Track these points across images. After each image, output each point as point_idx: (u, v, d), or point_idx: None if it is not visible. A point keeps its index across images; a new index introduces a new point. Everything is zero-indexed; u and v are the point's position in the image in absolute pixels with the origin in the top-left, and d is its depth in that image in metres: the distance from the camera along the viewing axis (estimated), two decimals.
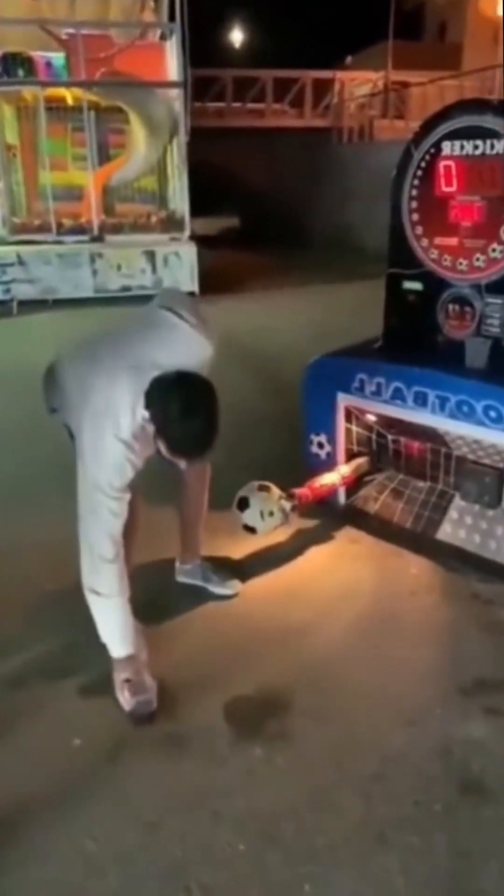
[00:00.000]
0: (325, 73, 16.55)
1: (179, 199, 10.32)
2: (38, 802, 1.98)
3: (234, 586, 2.91)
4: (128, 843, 1.86)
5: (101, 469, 2.12)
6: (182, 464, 2.26)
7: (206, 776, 2.06)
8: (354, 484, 3.43)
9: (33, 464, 3.97)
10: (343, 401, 3.33)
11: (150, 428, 2.12)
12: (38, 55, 9.87)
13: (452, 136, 2.90)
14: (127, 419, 2.11)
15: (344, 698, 2.33)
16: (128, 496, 2.18)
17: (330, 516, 3.41)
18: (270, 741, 2.16)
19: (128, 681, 2.26)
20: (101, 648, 2.30)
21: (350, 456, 3.45)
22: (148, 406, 2.10)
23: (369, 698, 2.33)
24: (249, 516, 3.02)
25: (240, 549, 3.17)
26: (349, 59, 20.50)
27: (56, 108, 10.12)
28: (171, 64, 10.00)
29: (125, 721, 2.23)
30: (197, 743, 2.17)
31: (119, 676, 2.31)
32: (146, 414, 2.10)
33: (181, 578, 2.98)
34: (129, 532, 2.32)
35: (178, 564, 2.99)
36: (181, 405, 2.07)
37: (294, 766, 2.08)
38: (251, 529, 3.05)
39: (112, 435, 2.10)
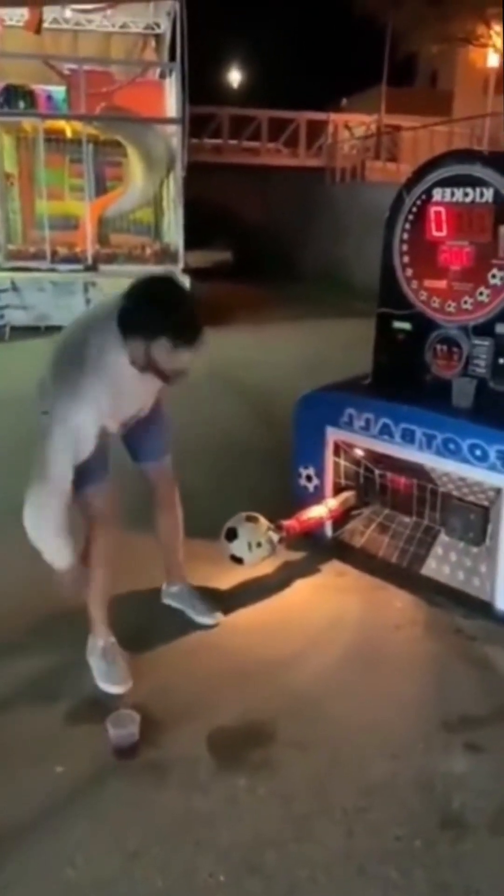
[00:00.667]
0: (319, 115, 16.96)
1: (174, 231, 10.49)
2: (18, 828, 1.98)
3: (216, 617, 2.93)
4: (108, 870, 1.86)
5: (74, 403, 2.14)
6: (187, 359, 2.23)
7: (189, 805, 2.06)
8: (341, 517, 3.48)
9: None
10: (332, 435, 3.40)
11: (139, 358, 2.18)
12: (39, 88, 10.10)
13: (443, 183, 3.01)
14: (105, 371, 2.15)
15: (328, 730, 2.35)
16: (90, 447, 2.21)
17: (317, 549, 3.45)
18: (254, 771, 2.17)
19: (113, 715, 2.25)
20: (87, 670, 2.31)
21: (338, 489, 3.50)
22: (127, 338, 2.15)
23: (353, 730, 2.35)
24: (237, 547, 3.06)
25: (226, 579, 3.19)
26: (344, 101, 21.06)
27: (55, 140, 10.32)
28: (171, 101, 10.24)
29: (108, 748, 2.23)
30: (180, 771, 2.17)
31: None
32: (126, 357, 2.17)
33: (167, 601, 3.02)
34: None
35: (164, 587, 3.04)
36: (162, 300, 2.16)
37: (277, 796, 2.09)
38: (238, 560, 3.08)
39: (89, 384, 2.14)
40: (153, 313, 2.14)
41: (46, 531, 2.25)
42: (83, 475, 2.28)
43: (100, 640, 2.60)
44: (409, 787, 2.13)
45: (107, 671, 2.53)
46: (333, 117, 17.23)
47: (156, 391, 2.53)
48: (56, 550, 2.29)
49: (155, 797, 2.09)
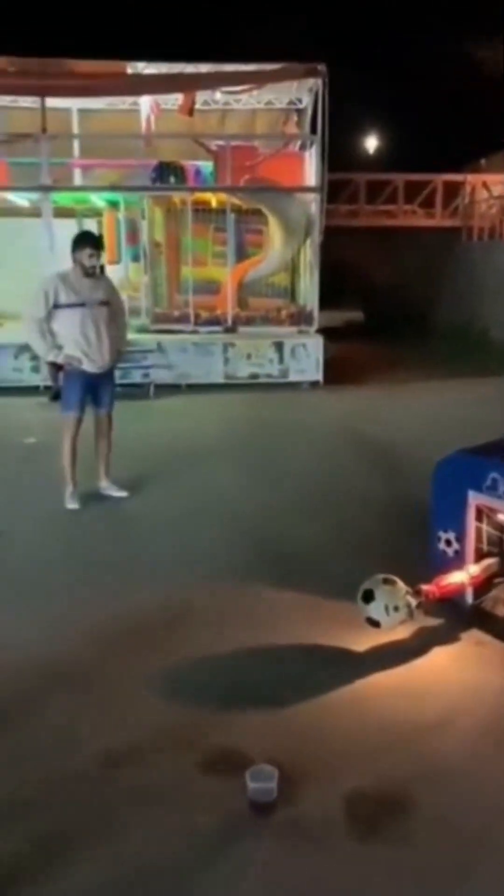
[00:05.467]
0: (456, 176, 17.01)
1: (310, 294, 10.79)
2: (157, 876, 2.03)
3: (123, 493, 5.18)
4: None
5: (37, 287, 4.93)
6: (86, 258, 4.81)
7: (324, 872, 2.03)
8: (483, 585, 3.38)
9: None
10: (474, 499, 3.34)
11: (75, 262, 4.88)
12: (189, 164, 10.87)
13: None
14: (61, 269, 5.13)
15: (469, 812, 2.26)
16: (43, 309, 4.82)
17: (456, 616, 3.36)
18: (392, 844, 2.12)
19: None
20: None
21: (479, 556, 3.41)
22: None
23: (497, 816, 2.24)
24: (374, 609, 3.05)
25: (362, 641, 3.17)
26: (483, 161, 21.01)
27: (201, 210, 11.02)
28: (310, 171, 10.69)
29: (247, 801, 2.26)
30: (317, 833, 2.16)
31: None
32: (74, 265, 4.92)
33: (102, 491, 5.18)
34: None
35: (99, 483, 5.19)
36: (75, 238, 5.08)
37: (416, 876, 2.02)
38: (375, 623, 3.07)
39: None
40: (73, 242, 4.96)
41: (30, 335, 4.91)
42: (66, 402, 5.02)
43: (68, 486, 5.01)
44: None
45: (69, 500, 4.99)
46: (470, 178, 17.20)
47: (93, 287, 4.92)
48: (36, 345, 4.96)
49: (291, 860, 2.07)
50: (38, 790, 2.34)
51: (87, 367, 4.87)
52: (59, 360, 4.90)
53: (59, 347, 4.85)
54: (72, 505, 4.96)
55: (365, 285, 18.93)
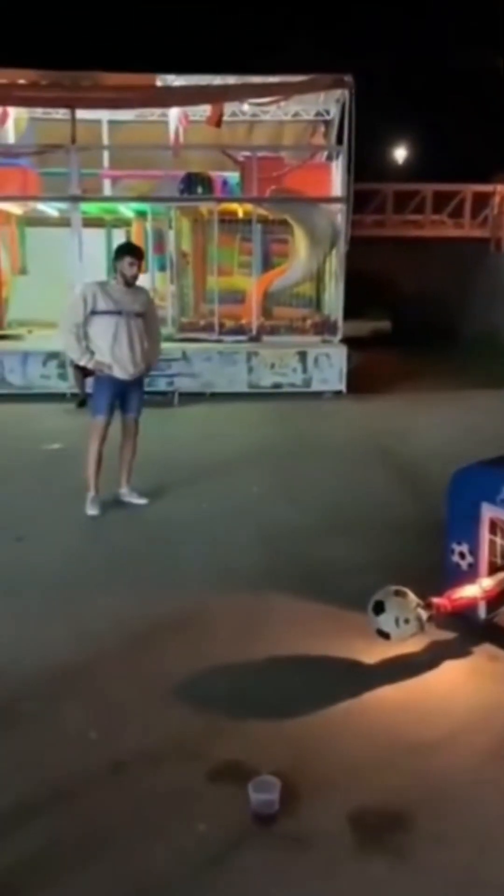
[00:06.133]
0: (485, 186, 16.92)
1: (334, 304, 10.81)
2: (160, 885, 2.04)
3: (144, 500, 5.28)
4: None
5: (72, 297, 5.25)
6: (126, 266, 4.95)
7: (324, 883, 2.04)
8: (497, 599, 3.34)
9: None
10: (489, 512, 3.31)
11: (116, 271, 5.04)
12: (216, 174, 10.97)
13: None
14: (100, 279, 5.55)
15: (471, 828, 2.24)
16: (80, 315, 4.95)
17: (468, 630, 3.33)
18: (392, 857, 2.11)
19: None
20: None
21: (493, 569, 3.38)
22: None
23: (500, 833, 2.22)
24: (384, 621, 3.04)
25: (372, 653, 3.16)
26: None
27: (228, 221, 11.11)
28: (336, 181, 10.73)
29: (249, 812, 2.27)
30: (318, 847, 2.16)
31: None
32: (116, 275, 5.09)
33: (121, 499, 5.28)
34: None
35: (119, 490, 5.29)
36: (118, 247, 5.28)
37: (414, 891, 2.02)
38: (385, 635, 3.06)
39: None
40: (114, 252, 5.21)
41: (66, 339, 5.02)
42: (96, 406, 5.17)
43: (90, 492, 5.10)
44: None
45: (90, 506, 5.06)
46: (500, 188, 17.08)
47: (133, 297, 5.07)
48: (71, 349, 5.08)
49: (291, 872, 2.08)
50: (45, 796, 2.36)
51: (117, 373, 4.98)
52: (90, 365, 5.00)
53: (91, 353, 4.95)
54: (92, 511, 5.04)
55: (392, 295, 18.88)
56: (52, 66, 10.36)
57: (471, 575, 3.39)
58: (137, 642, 3.32)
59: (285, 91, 10.94)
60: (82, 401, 8.34)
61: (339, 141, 10.67)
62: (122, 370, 4.97)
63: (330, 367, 9.98)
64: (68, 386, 9.34)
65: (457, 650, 3.23)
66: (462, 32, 20.72)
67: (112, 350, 4.91)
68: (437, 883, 2.04)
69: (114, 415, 5.14)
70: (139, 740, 2.64)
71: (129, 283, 4.98)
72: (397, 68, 19.97)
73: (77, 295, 5.07)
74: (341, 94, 10.55)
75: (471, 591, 3.27)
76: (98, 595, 3.82)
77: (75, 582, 4.00)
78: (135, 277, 5.01)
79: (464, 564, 3.45)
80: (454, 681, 3.04)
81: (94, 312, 4.90)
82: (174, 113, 11.34)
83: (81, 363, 5.13)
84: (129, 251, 5.06)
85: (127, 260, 4.93)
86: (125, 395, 5.14)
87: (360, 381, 10.11)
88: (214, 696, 2.90)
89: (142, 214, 11.46)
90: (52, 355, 9.51)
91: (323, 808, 2.30)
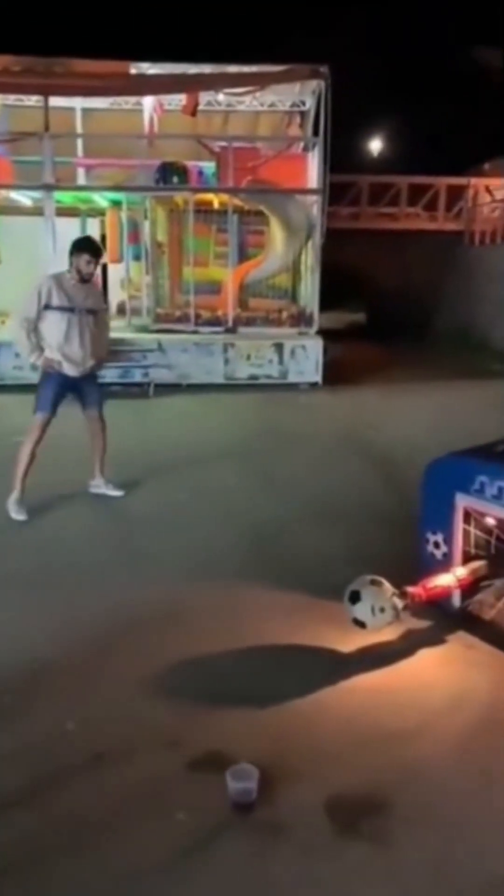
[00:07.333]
0: (459, 179, 17.02)
1: (310, 296, 10.82)
2: (137, 875, 2.05)
3: (120, 492, 5.21)
4: None
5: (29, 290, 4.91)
6: (83, 264, 4.83)
7: (301, 869, 2.06)
8: (471, 587, 3.39)
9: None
10: (462, 502, 3.35)
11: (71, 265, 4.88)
12: (192, 164, 10.89)
13: None
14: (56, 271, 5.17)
15: (446, 811, 2.28)
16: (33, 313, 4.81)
17: (443, 619, 3.37)
18: (368, 842, 2.14)
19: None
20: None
21: (467, 558, 3.43)
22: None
23: (473, 815, 2.26)
24: (360, 610, 3.07)
25: (348, 642, 3.19)
26: (487, 165, 21.00)
27: (203, 211, 11.04)
28: (312, 173, 10.71)
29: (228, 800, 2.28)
30: (296, 834, 2.18)
31: None
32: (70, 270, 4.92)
33: (91, 490, 5.23)
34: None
35: (91, 481, 5.23)
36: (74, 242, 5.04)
37: (390, 873, 2.05)
38: (361, 624, 3.09)
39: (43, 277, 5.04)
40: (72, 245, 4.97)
41: (17, 333, 4.90)
42: (38, 403, 4.90)
43: (15, 493, 4.84)
44: None
45: (15, 510, 4.78)
46: (474, 181, 17.21)
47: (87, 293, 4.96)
48: (20, 344, 4.95)
49: (270, 858, 2.10)
50: (24, 788, 2.35)
51: (67, 370, 4.87)
52: (39, 362, 4.84)
53: (41, 349, 4.83)
54: (16, 514, 4.76)
55: (367, 287, 18.95)
56: (25, 52, 10.18)
57: (445, 564, 3.43)
58: (114, 635, 3.31)
59: (261, 81, 10.88)
60: None
61: (315, 132, 10.66)
62: (72, 366, 4.86)
63: (306, 358, 10.00)
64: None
65: (432, 638, 3.27)
66: (440, 26, 20.76)
67: (62, 346, 4.80)
68: (414, 866, 2.07)
69: (56, 413, 4.92)
70: (118, 732, 2.64)
71: (85, 279, 4.87)
72: (374, 61, 19.94)
73: (33, 289, 4.83)
74: (317, 85, 10.53)
75: (445, 580, 3.31)
76: (73, 588, 3.80)
77: (49, 575, 3.98)
78: (91, 275, 4.92)
79: (438, 554, 3.49)
80: (429, 668, 3.08)
81: (47, 307, 4.77)
82: (149, 101, 11.23)
83: (31, 360, 4.93)
84: (87, 248, 4.90)
85: (85, 257, 4.80)
86: (79, 391, 5.04)
87: (335, 373, 10.15)
88: (192, 687, 2.91)
89: (117, 204, 11.34)
90: None
91: (301, 795, 2.32)
